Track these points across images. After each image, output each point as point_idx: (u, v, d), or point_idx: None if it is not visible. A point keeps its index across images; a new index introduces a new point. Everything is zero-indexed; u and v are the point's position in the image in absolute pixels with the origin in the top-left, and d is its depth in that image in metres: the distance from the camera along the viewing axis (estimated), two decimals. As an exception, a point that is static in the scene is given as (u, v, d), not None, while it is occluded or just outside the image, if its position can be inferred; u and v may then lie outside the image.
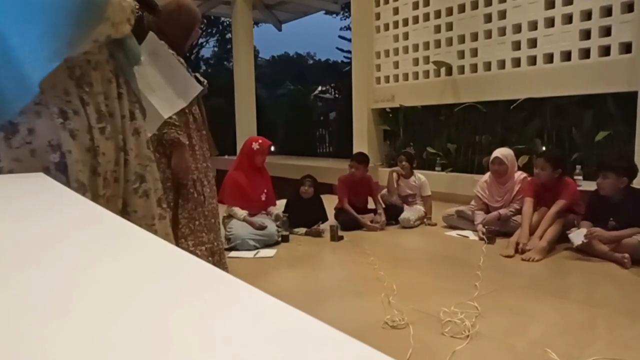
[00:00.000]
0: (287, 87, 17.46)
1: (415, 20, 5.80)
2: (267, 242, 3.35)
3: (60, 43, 0.98)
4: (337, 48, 16.86)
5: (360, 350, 0.24)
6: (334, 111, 12.31)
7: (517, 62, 4.83)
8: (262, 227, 3.34)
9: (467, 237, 3.62)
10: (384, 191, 4.27)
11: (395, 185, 4.20)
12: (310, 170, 4.66)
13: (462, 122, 5.46)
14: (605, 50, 4.21)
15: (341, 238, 3.54)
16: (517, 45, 4.82)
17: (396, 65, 6.05)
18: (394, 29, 6.05)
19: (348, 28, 15.71)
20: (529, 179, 3.58)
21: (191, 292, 0.33)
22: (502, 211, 3.60)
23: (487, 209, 3.74)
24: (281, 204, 3.83)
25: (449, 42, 5.43)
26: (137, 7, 1.24)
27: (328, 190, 4.94)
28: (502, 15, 4.93)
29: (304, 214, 3.73)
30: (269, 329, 0.27)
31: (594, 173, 3.41)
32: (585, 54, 4.34)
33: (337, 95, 14.64)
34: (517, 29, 4.81)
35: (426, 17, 5.67)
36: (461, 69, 5.34)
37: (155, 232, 1.26)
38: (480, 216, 3.67)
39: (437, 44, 5.56)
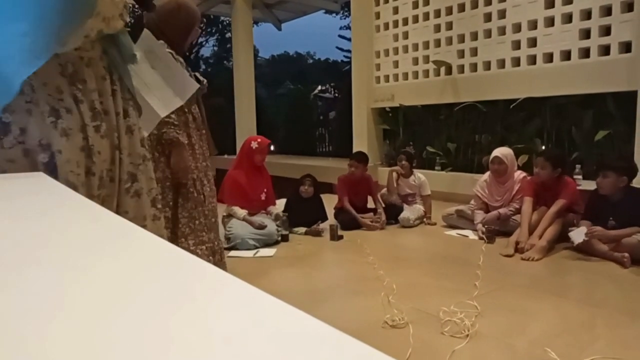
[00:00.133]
0: (287, 87, 17.40)
1: (415, 19, 5.80)
2: (267, 241, 3.35)
3: (48, 38, 0.94)
4: (337, 47, 16.82)
5: (360, 349, 0.24)
6: (334, 110, 12.31)
7: (516, 62, 4.83)
8: (261, 227, 3.34)
9: (467, 236, 3.62)
10: (384, 190, 4.27)
11: (395, 185, 4.20)
12: (310, 170, 4.67)
13: (462, 121, 5.46)
14: (605, 50, 4.21)
15: (341, 237, 3.54)
16: (516, 45, 4.82)
17: (396, 64, 6.05)
18: (393, 28, 6.05)
19: (348, 27, 15.68)
20: (528, 178, 3.58)
21: (191, 292, 0.33)
22: (502, 210, 3.61)
23: (487, 209, 3.74)
24: (281, 203, 3.83)
25: (449, 41, 5.43)
26: (133, 4, 1.22)
27: (328, 190, 4.94)
28: (502, 14, 4.93)
29: (303, 214, 3.73)
30: (269, 328, 0.27)
31: (594, 172, 3.41)
32: (585, 53, 4.34)
33: (336, 95, 14.61)
34: (517, 28, 4.81)
35: (426, 16, 5.67)
36: (461, 69, 5.34)
37: None
38: (479, 215, 3.67)
39: (437, 43, 5.56)
